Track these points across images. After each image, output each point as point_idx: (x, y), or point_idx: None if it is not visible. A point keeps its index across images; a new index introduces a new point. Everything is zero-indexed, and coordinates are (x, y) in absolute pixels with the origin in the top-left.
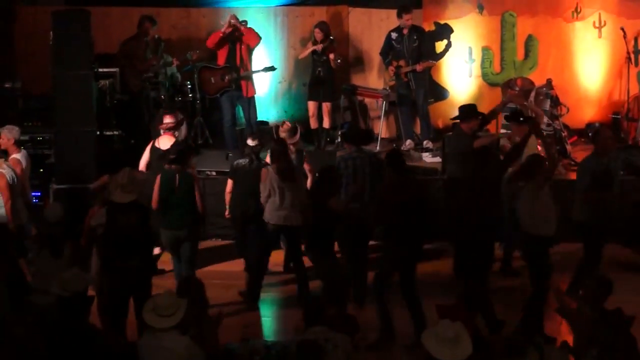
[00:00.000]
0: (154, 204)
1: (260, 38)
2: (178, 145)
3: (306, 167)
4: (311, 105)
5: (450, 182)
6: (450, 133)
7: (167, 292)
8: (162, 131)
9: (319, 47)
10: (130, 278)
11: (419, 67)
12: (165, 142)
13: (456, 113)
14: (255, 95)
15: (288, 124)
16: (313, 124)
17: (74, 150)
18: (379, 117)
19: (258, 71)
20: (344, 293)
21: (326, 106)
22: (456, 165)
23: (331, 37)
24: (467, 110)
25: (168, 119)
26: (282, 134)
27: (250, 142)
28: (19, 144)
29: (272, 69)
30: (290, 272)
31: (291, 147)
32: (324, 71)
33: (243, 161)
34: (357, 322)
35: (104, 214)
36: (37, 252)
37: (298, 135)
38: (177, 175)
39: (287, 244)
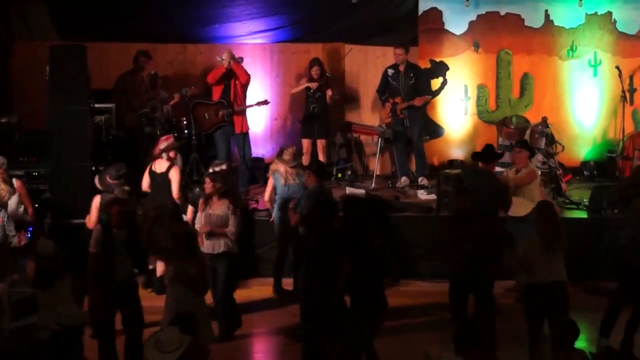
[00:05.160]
0: (91, 224)
1: (249, 76)
2: (121, 168)
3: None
4: (305, 143)
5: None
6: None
7: (170, 328)
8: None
9: (314, 85)
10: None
11: (417, 102)
12: (161, 165)
13: (452, 151)
14: (250, 132)
15: (293, 148)
16: (305, 161)
17: (70, 185)
18: (374, 154)
19: (252, 105)
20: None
21: (321, 143)
22: None
23: (327, 74)
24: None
25: (163, 144)
26: (286, 157)
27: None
28: None
29: (265, 102)
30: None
31: (292, 170)
32: (317, 107)
33: (199, 190)
34: None
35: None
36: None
37: (299, 160)
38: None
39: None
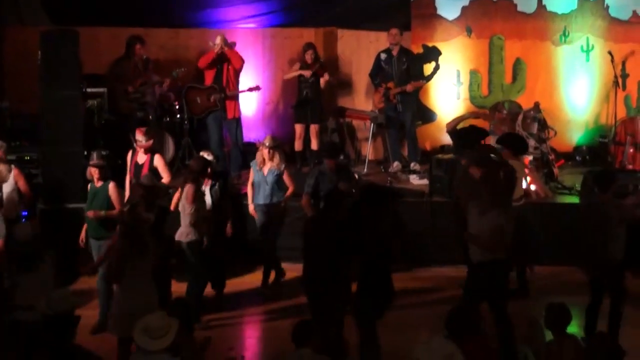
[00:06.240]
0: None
1: (243, 61)
2: (102, 157)
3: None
4: (298, 128)
5: None
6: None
7: (159, 313)
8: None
9: (308, 73)
10: None
11: (409, 87)
12: (141, 156)
13: (444, 136)
14: (242, 117)
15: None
16: (298, 146)
17: (61, 170)
18: (367, 139)
19: (243, 91)
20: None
21: (314, 128)
22: None
23: (321, 59)
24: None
25: (139, 135)
26: (267, 143)
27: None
28: None
29: (257, 88)
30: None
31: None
32: (310, 92)
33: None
34: (347, 346)
35: None
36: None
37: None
38: (99, 187)
39: None
